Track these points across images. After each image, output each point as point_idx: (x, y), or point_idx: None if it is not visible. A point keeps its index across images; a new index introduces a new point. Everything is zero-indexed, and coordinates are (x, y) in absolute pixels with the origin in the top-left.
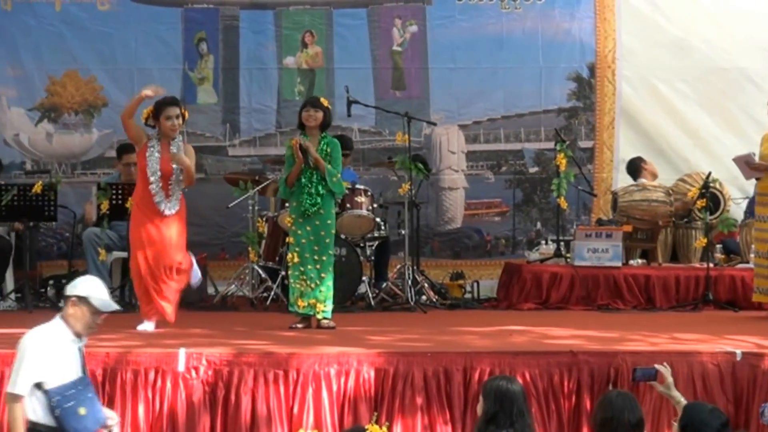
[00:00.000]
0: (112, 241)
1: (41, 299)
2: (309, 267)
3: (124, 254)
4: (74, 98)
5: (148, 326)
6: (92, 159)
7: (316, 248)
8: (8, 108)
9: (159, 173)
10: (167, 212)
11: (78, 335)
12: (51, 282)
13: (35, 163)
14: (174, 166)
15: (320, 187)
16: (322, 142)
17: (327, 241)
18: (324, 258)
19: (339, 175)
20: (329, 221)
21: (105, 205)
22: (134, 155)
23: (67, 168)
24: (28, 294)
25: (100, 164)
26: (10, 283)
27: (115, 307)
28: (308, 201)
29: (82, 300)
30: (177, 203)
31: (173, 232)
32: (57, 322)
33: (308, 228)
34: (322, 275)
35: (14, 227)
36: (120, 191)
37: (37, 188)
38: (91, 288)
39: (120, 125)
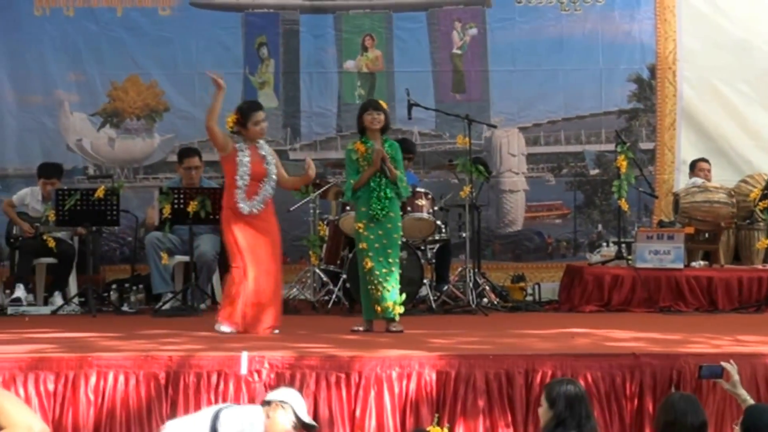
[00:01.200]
0: (174, 245)
1: (104, 303)
2: (383, 270)
3: (185, 258)
4: (136, 103)
5: (227, 328)
6: (154, 163)
7: (388, 251)
8: (71, 113)
9: (248, 176)
10: (254, 210)
11: None
12: (114, 286)
13: (98, 168)
14: (266, 167)
15: (388, 191)
16: (385, 145)
17: (398, 242)
18: (396, 260)
19: (405, 179)
20: (399, 223)
21: (167, 210)
22: (195, 159)
23: (129, 172)
24: (91, 298)
25: (162, 169)
26: (73, 287)
27: (315, 424)
28: (377, 205)
29: (288, 408)
30: (262, 203)
31: (270, 241)
32: (257, 418)
33: (380, 232)
34: (397, 277)
35: (77, 232)
36: (182, 195)
37: (100, 193)
38: (295, 398)
39: (181, 129)
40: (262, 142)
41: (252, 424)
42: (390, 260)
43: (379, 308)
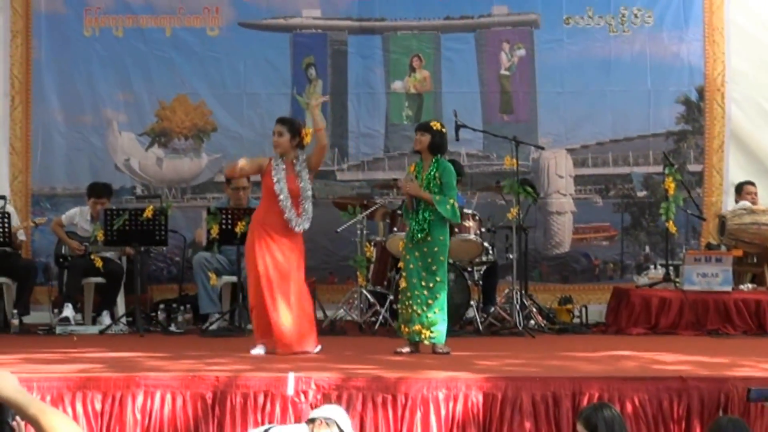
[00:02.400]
0: (222, 265)
1: (152, 323)
2: (416, 293)
3: (233, 279)
4: (184, 123)
5: (259, 351)
6: (202, 183)
7: (423, 274)
8: (119, 133)
9: (287, 191)
10: (297, 228)
11: None
12: (161, 306)
13: (145, 187)
14: (300, 184)
15: (427, 213)
16: (432, 167)
17: (434, 268)
18: (431, 285)
19: (453, 201)
20: (436, 248)
21: (215, 230)
22: (243, 179)
23: (177, 192)
24: (139, 318)
25: (210, 189)
26: (121, 307)
27: None
28: (415, 227)
29: (332, 422)
30: (308, 221)
31: (295, 255)
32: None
33: (416, 254)
34: (429, 301)
35: (125, 252)
36: (229, 216)
37: (148, 213)
38: (340, 414)
39: (229, 149)
40: (301, 162)
41: None
42: (423, 283)
43: (406, 329)
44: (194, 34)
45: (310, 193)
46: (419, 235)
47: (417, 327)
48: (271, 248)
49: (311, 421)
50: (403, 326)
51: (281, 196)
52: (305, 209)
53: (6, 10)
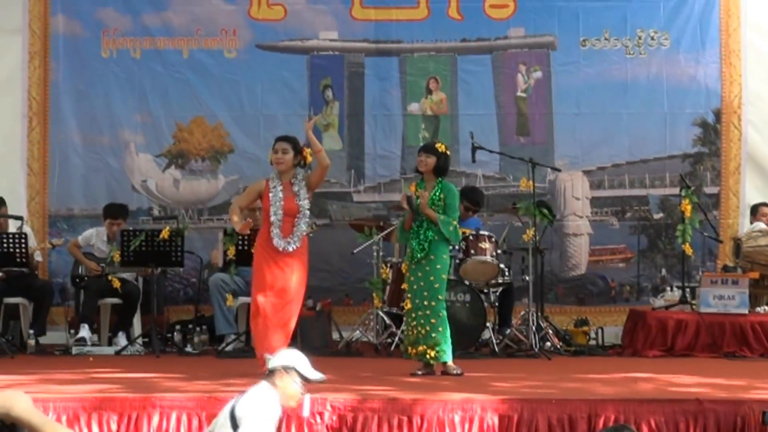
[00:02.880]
0: (238, 286)
1: (168, 344)
2: (419, 313)
3: (250, 300)
4: (201, 144)
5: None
6: (219, 205)
7: (425, 294)
8: (136, 154)
9: (281, 212)
10: (289, 248)
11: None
12: (178, 327)
13: (162, 208)
14: (298, 203)
15: (429, 233)
16: (436, 188)
17: (436, 286)
18: (434, 303)
19: (455, 223)
20: (439, 266)
21: (231, 251)
22: (259, 201)
23: (193, 214)
24: (155, 339)
25: (226, 210)
26: (137, 327)
27: (321, 376)
28: (417, 246)
29: (290, 370)
30: (298, 241)
31: (295, 277)
32: (268, 390)
33: (419, 274)
34: (432, 321)
35: (142, 273)
36: (246, 237)
37: (165, 234)
38: (297, 359)
39: (246, 170)
40: (299, 181)
41: (267, 399)
42: (426, 302)
43: (413, 351)
44: (212, 56)
45: (308, 211)
46: (419, 255)
47: (422, 347)
48: (271, 268)
49: (270, 374)
50: (410, 348)
51: (272, 218)
52: (298, 228)
53: (24, 32)
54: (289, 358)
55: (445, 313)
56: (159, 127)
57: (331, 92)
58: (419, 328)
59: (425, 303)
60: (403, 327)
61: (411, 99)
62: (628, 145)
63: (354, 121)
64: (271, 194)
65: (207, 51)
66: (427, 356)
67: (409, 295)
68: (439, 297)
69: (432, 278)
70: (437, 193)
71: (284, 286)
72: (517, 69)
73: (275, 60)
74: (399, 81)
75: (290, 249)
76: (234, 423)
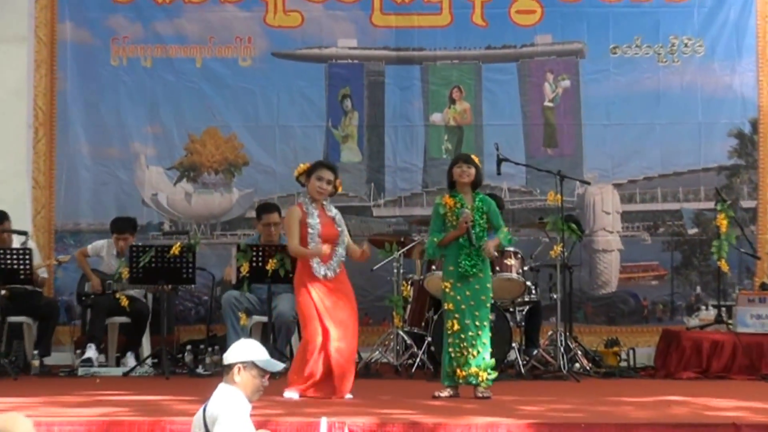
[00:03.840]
0: (252, 304)
1: (178, 365)
2: (470, 334)
3: (264, 318)
4: (214, 157)
5: (293, 395)
6: (232, 219)
7: (476, 313)
8: (147, 167)
9: (319, 238)
10: (330, 274)
11: (247, 401)
12: (188, 347)
13: (173, 223)
14: (338, 229)
15: (479, 248)
16: (477, 200)
17: (488, 305)
18: (485, 323)
19: (506, 229)
20: (488, 284)
21: (245, 268)
22: (275, 215)
23: (206, 229)
24: (165, 359)
25: (240, 225)
26: (146, 347)
27: (281, 365)
28: (467, 262)
29: (248, 365)
30: (338, 267)
31: (348, 303)
32: (230, 388)
33: (467, 292)
34: (484, 341)
35: (152, 290)
36: (260, 253)
37: (176, 250)
38: (252, 351)
39: (261, 184)
40: (329, 204)
41: (233, 397)
42: (477, 323)
43: (462, 373)
44: (226, 65)
45: (346, 238)
46: (472, 271)
47: (474, 370)
48: (327, 296)
49: (228, 369)
50: (458, 370)
51: (311, 245)
52: (337, 253)
53: (30, 40)
54: (244, 351)
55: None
56: (170, 138)
57: (350, 102)
58: (470, 350)
59: (476, 323)
60: (427, 348)
61: (433, 109)
62: (660, 157)
63: (374, 133)
64: (309, 219)
65: (221, 59)
66: (478, 378)
67: (457, 316)
68: (489, 316)
69: (483, 297)
70: (480, 206)
71: (343, 314)
72: (545, 77)
73: (292, 69)
74: (421, 90)
75: (330, 275)
76: (207, 429)
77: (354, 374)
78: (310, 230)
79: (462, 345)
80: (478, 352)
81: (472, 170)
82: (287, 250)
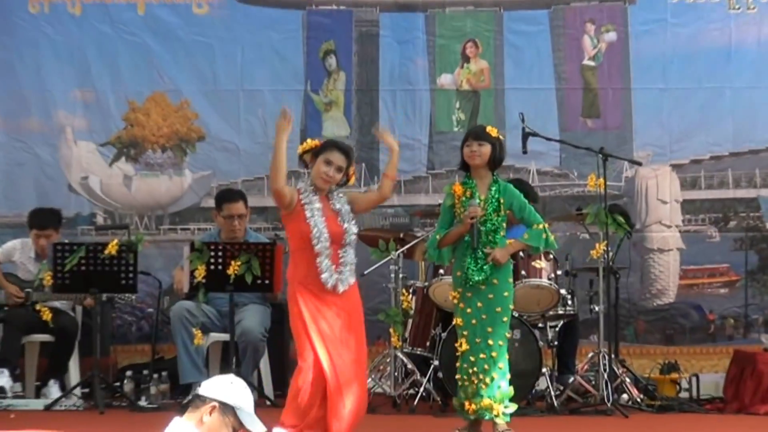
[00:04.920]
0: (210, 319)
1: (115, 396)
2: (481, 356)
3: (224, 337)
4: (161, 130)
5: None
6: (184, 210)
7: (489, 330)
8: (75, 143)
9: (328, 238)
10: (340, 288)
11: None
12: (129, 373)
13: (109, 215)
14: (343, 226)
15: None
16: (493, 189)
17: (504, 320)
18: (501, 343)
19: (543, 225)
20: (506, 294)
21: (201, 272)
22: (239, 204)
23: (150, 222)
24: (98, 389)
25: (195, 217)
26: (75, 374)
27: (263, 428)
28: (473, 267)
29: (228, 410)
30: (352, 275)
31: (354, 315)
32: (189, 429)
33: (479, 304)
34: (500, 365)
35: (81, 301)
36: (220, 253)
37: (112, 249)
38: (238, 395)
39: (221, 164)
40: (336, 193)
41: None
42: (491, 341)
43: (471, 407)
44: (176, 13)
45: (354, 237)
46: (477, 278)
47: (487, 402)
48: (323, 313)
49: (197, 401)
50: (467, 403)
51: (318, 246)
52: (346, 258)
53: None
54: (229, 391)
55: (506, 356)
56: (105, 106)
57: (335, 60)
58: (481, 376)
59: (489, 342)
60: (433, 374)
61: (441, 69)
62: (732, 130)
63: (365, 99)
64: (308, 212)
65: (170, 5)
66: (493, 412)
67: (465, 333)
68: (507, 335)
69: (499, 309)
70: (494, 196)
71: (350, 336)
72: (584, 29)
73: (261, 17)
74: (425, 45)
75: (342, 288)
76: None
77: (363, 406)
78: (316, 228)
79: (471, 371)
80: (492, 379)
81: (486, 148)
82: (255, 249)
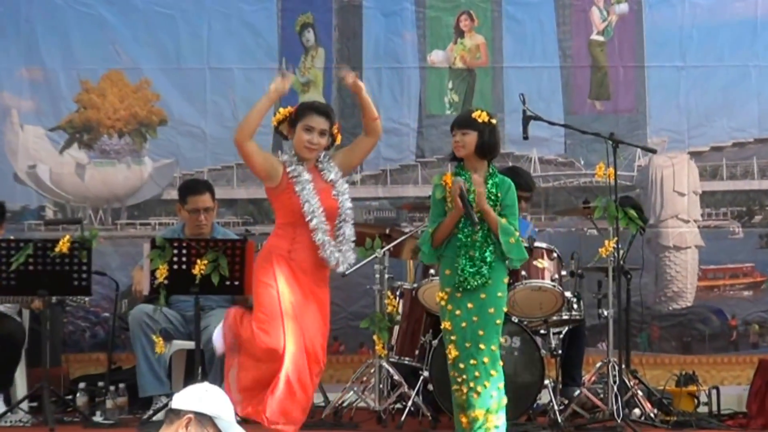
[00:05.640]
0: (173, 324)
1: (67, 411)
2: (472, 362)
3: (189, 344)
4: (118, 113)
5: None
6: (144, 203)
7: (481, 333)
8: (21, 127)
9: (323, 213)
10: (341, 268)
11: None
12: (82, 385)
13: (59, 208)
14: (338, 199)
15: (489, 250)
16: (490, 183)
17: (498, 322)
18: (493, 348)
19: (517, 233)
20: (500, 294)
21: (162, 272)
22: (205, 197)
23: (106, 216)
24: (47, 402)
25: (156, 210)
26: (21, 386)
27: None
28: (469, 268)
29: (206, 420)
30: (352, 253)
31: (325, 306)
32: None
33: (470, 305)
34: (492, 372)
35: (29, 304)
36: (185, 251)
37: (63, 246)
38: (220, 406)
39: (185, 152)
40: (328, 163)
41: None
42: (482, 346)
43: (464, 419)
44: None
45: (351, 210)
46: (473, 280)
47: (478, 412)
48: (295, 293)
49: (173, 415)
50: (460, 415)
51: (314, 221)
52: (345, 236)
53: None
54: (207, 402)
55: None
56: (55, 86)
57: (313, 34)
58: (472, 384)
59: (480, 347)
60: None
61: (432, 45)
62: (758, 114)
63: None
64: (297, 185)
65: None
66: (486, 425)
67: (453, 338)
68: (502, 340)
69: (492, 310)
70: (491, 190)
71: (324, 327)
72: (592, 0)
73: None
74: (414, 17)
75: (342, 268)
76: None
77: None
78: (306, 203)
79: (462, 378)
80: (484, 387)
81: (470, 137)
82: (223, 246)
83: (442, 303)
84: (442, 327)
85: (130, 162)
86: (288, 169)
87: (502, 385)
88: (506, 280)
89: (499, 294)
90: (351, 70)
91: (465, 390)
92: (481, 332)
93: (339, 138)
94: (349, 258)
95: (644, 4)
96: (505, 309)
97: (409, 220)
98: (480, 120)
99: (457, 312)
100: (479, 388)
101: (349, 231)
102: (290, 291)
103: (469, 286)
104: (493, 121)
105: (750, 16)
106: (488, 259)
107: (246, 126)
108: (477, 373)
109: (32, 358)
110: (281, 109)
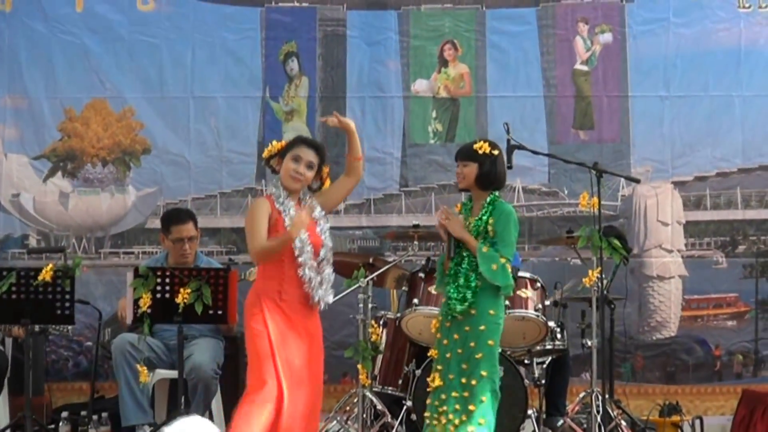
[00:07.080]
0: (156, 353)
1: None
2: (453, 395)
3: (172, 373)
4: (101, 141)
5: None
6: (127, 231)
7: (464, 366)
8: (4, 156)
9: (311, 249)
10: (323, 303)
11: None
12: (65, 414)
13: (43, 236)
14: (321, 236)
15: (474, 277)
16: (485, 210)
17: (478, 356)
18: (473, 382)
19: (503, 261)
20: (483, 327)
21: (146, 301)
22: (188, 226)
23: (89, 245)
24: None
25: (139, 239)
26: (3, 415)
27: None
28: (455, 295)
29: None
30: (332, 293)
31: (319, 339)
32: None
33: (455, 336)
34: (470, 407)
35: (11, 333)
36: (168, 279)
37: (46, 274)
38: None
39: (169, 181)
40: (312, 200)
41: None
42: (464, 380)
43: None
44: (119, 9)
45: (331, 251)
46: (458, 308)
47: None
48: (287, 341)
49: None
50: None
51: (302, 257)
52: (325, 275)
53: None
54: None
55: (490, 397)
56: (39, 114)
57: (297, 63)
58: (451, 416)
59: (462, 381)
60: (406, 416)
61: (416, 74)
62: (741, 144)
63: (331, 107)
64: (286, 220)
65: (111, 1)
66: None
67: (439, 367)
68: (483, 373)
69: (473, 344)
70: (484, 217)
71: (310, 368)
72: (576, 29)
73: (214, 15)
74: (398, 47)
75: (323, 305)
76: None
77: None
78: (299, 240)
79: (441, 409)
80: (461, 421)
81: (470, 168)
82: (207, 275)
83: (433, 330)
84: (429, 354)
85: (113, 191)
86: (275, 204)
87: (483, 421)
88: (494, 312)
89: (482, 328)
90: (333, 111)
91: (444, 421)
92: (464, 366)
93: (328, 182)
94: (329, 298)
95: (628, 33)
96: (492, 343)
97: (393, 249)
98: (481, 151)
99: (445, 342)
100: (457, 421)
101: (329, 270)
102: (281, 341)
103: (454, 312)
104: (495, 152)
105: (734, 46)
106: (473, 284)
107: (268, 254)
108: (457, 406)
109: (14, 386)
110: (273, 142)
